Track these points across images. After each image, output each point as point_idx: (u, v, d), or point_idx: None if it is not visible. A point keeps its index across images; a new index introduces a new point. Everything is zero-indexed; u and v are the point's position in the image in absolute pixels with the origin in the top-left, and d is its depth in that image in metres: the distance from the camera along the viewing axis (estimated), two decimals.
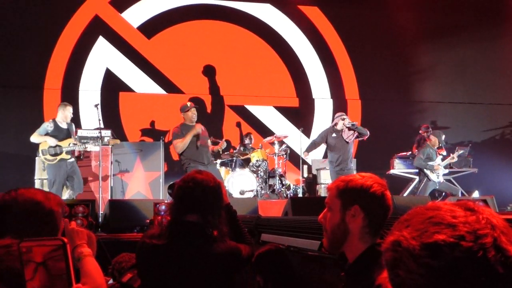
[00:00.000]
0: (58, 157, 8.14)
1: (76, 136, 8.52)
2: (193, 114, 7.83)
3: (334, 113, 12.10)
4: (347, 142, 8.79)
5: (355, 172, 8.74)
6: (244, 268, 2.85)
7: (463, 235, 0.89)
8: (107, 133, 9.50)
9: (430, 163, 9.43)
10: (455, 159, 9.86)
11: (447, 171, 9.85)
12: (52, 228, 1.84)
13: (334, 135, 8.86)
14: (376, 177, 1.92)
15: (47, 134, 8.15)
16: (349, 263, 1.86)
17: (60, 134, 8.20)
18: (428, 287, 0.89)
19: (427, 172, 9.44)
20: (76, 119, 10.62)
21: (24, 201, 1.84)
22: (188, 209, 2.60)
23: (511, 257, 0.88)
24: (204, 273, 2.52)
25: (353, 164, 9.17)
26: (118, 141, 9.05)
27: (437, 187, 9.54)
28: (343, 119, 8.78)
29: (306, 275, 3.04)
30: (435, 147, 9.64)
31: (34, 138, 8.20)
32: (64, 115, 8.27)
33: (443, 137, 10.05)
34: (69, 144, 8.16)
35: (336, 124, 8.88)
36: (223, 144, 8.62)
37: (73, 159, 8.31)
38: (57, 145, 8.11)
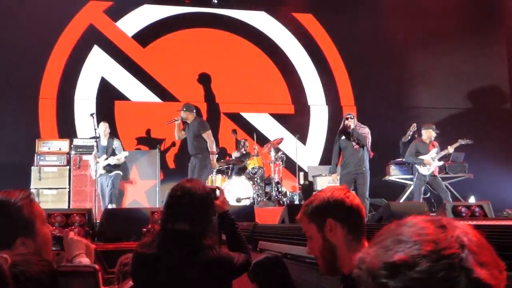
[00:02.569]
0: (98, 173, 8.88)
1: (114, 151, 9.13)
2: None
3: (329, 120, 12.17)
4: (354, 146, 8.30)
5: (368, 175, 8.37)
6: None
7: (424, 255, 0.85)
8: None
9: (421, 157, 9.37)
10: (451, 151, 9.61)
11: (441, 163, 9.72)
12: (16, 221, 1.79)
13: (343, 137, 8.44)
14: (334, 186, 2.01)
15: (95, 151, 9.00)
16: (345, 275, 1.87)
17: (101, 151, 8.96)
18: None
19: (417, 166, 9.39)
20: (72, 128, 10.63)
21: None
22: (177, 218, 2.61)
23: (475, 278, 0.84)
24: (193, 281, 2.52)
25: (365, 169, 8.29)
26: (127, 153, 9.31)
27: (427, 180, 9.38)
28: (346, 119, 8.42)
29: (303, 283, 3.04)
30: (428, 141, 9.50)
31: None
32: (101, 133, 8.93)
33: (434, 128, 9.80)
34: (103, 160, 8.83)
35: (344, 126, 8.47)
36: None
37: (115, 173, 8.94)
38: (97, 162, 8.89)
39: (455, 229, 0.89)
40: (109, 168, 8.91)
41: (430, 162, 9.28)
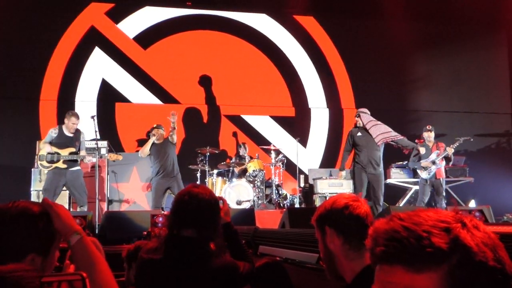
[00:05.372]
0: (54, 165, 7.99)
1: (81, 145, 8.23)
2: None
3: (330, 123, 12.17)
4: (376, 142, 8.36)
5: (383, 177, 8.48)
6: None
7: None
8: (103, 144, 9.49)
9: (421, 160, 9.34)
10: (451, 152, 9.34)
11: (443, 164, 9.46)
12: (36, 236, 1.65)
13: (359, 134, 8.53)
14: (344, 194, 1.97)
15: (52, 140, 8.07)
16: (347, 284, 1.87)
17: (63, 142, 8.06)
18: None
19: (418, 171, 9.40)
20: None
21: (18, 213, 1.65)
22: (184, 223, 2.58)
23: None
24: None
25: (381, 169, 8.47)
26: (120, 157, 8.83)
27: (431, 183, 9.32)
28: (362, 112, 8.61)
29: None
30: (429, 144, 9.46)
31: (41, 144, 8.24)
32: (67, 125, 8.14)
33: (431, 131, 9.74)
34: (69, 153, 8.02)
35: (356, 122, 8.63)
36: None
37: (75, 169, 8.11)
38: (55, 153, 7.97)
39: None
40: (70, 164, 8.01)
41: (429, 165, 9.24)
